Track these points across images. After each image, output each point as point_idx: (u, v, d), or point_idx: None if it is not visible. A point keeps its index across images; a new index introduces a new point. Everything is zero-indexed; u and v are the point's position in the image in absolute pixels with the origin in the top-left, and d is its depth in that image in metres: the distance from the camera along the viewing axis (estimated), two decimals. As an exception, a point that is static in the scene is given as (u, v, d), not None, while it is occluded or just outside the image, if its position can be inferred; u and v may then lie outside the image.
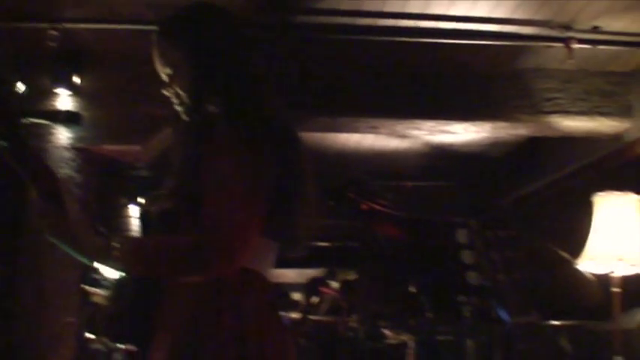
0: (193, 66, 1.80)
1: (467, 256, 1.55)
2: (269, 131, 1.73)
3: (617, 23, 4.26)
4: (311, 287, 6.01)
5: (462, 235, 1.55)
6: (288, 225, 1.80)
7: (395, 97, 4.82)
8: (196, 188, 1.66)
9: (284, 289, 9.10)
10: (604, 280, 4.60)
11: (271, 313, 1.76)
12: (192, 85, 1.81)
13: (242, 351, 1.64)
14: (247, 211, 1.64)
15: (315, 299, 5.89)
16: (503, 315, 1.50)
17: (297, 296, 8.00)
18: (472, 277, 1.54)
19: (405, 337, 4.54)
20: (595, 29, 4.33)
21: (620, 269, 4.43)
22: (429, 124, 4.97)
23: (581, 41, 4.35)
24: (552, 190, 6.45)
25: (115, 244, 1.65)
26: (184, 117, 1.85)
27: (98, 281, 4.07)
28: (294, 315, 5.44)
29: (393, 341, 4.82)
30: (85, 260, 1.67)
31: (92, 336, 3.95)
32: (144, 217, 1.87)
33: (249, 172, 1.66)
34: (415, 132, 5.16)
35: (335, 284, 5.71)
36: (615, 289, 4.46)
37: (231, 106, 1.74)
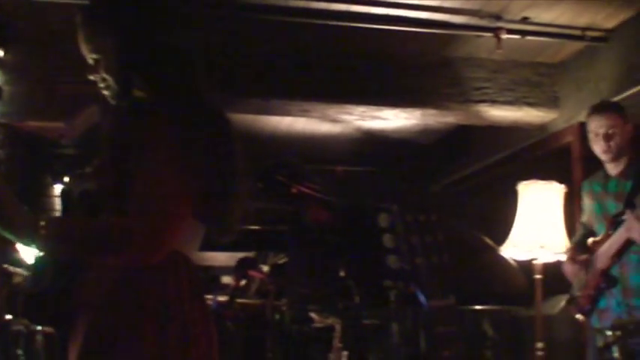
0: (122, 53, 1.76)
1: (388, 240, 1.57)
2: (199, 115, 1.71)
3: (546, 15, 4.34)
4: (240, 270, 5.98)
5: (383, 220, 1.57)
6: (221, 210, 1.78)
7: (327, 82, 4.80)
8: (123, 171, 1.63)
9: (214, 272, 9.04)
10: (527, 267, 4.73)
11: (195, 297, 1.74)
12: (121, 71, 1.77)
13: (163, 334, 1.62)
14: (178, 197, 1.63)
15: (243, 282, 5.86)
16: (421, 298, 1.53)
17: (227, 279, 7.96)
18: (392, 261, 1.56)
19: (332, 321, 4.55)
20: (524, 20, 4.40)
21: (542, 256, 4.55)
22: (360, 110, 4.98)
23: (510, 31, 4.41)
24: (480, 177, 6.57)
25: (42, 223, 1.59)
26: (112, 101, 1.80)
27: (19, 261, 3.97)
28: (222, 298, 5.40)
29: (320, 325, 4.84)
30: (10, 237, 1.62)
31: (12, 317, 3.84)
32: (65, 196, 1.82)
33: (180, 156, 1.64)
34: (346, 117, 5.17)
35: (265, 267, 5.69)
36: (537, 276, 4.59)
37: (161, 90, 1.72)
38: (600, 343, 2.15)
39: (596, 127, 3.55)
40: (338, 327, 4.48)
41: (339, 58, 4.81)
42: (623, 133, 3.54)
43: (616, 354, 2.15)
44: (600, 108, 3.64)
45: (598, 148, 3.58)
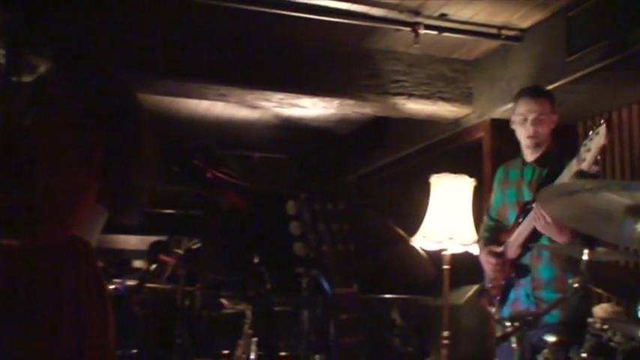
0: (17, 24, 1.70)
1: (294, 228, 1.58)
2: (104, 94, 1.68)
3: (464, 12, 4.43)
4: (151, 254, 5.90)
5: (291, 207, 1.58)
6: (121, 190, 1.75)
7: (246, 67, 4.77)
8: (24, 148, 1.59)
9: (125, 255, 8.87)
10: (436, 258, 4.84)
11: (93, 281, 1.71)
12: (14, 45, 1.71)
13: (57, 318, 1.59)
14: (82, 177, 1.61)
15: (154, 267, 5.78)
16: (325, 285, 1.55)
17: (139, 263, 7.82)
18: (298, 248, 1.57)
19: (242, 307, 4.55)
20: (442, 16, 4.47)
21: (451, 247, 4.67)
22: (279, 97, 4.97)
23: (427, 27, 4.48)
24: (394, 168, 6.68)
25: None
26: (8, 75, 1.74)
27: None
28: (131, 282, 5.31)
29: (230, 311, 4.83)
30: None
31: None
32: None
33: (84, 136, 1.61)
34: (264, 103, 5.16)
35: (178, 251, 5.62)
36: (446, 267, 4.70)
37: (65, 66, 1.67)
38: (499, 332, 2.22)
39: (526, 111, 3.43)
40: (248, 313, 4.48)
41: (259, 45, 4.79)
42: (550, 121, 3.46)
43: (514, 344, 2.23)
44: (534, 92, 3.53)
45: (523, 131, 3.46)
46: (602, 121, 2.81)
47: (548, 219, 3.09)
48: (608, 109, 4.76)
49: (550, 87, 4.33)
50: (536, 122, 3.40)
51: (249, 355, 4.32)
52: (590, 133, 2.86)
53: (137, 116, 1.79)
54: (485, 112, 5.06)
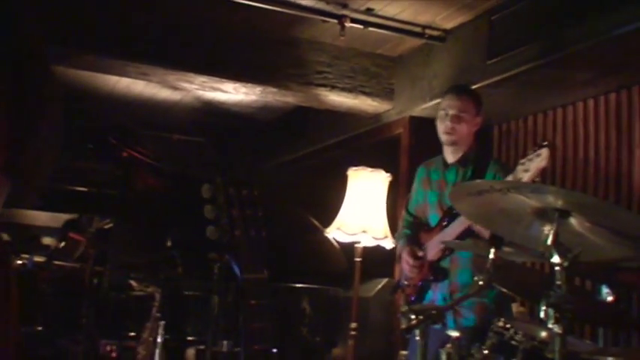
0: None
1: (208, 211, 1.56)
2: (12, 60, 1.60)
3: (390, 9, 4.47)
4: (61, 232, 5.76)
5: (206, 191, 1.56)
6: (20, 163, 1.67)
7: (169, 47, 4.68)
8: None
9: (35, 231, 8.60)
10: (349, 250, 4.89)
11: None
12: None
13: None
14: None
15: (62, 244, 5.63)
16: (236, 270, 1.55)
17: (48, 240, 7.60)
18: (211, 232, 1.56)
19: (152, 290, 4.49)
20: (368, 11, 4.50)
21: (364, 240, 4.73)
22: (201, 79, 4.90)
23: (354, 21, 4.50)
24: (313, 159, 6.70)
25: None
26: None
27: None
28: (39, 259, 5.16)
29: (139, 293, 4.76)
30: None
31: None
32: None
33: None
34: (186, 85, 5.08)
35: (89, 230, 5.49)
36: (357, 259, 4.76)
37: None
38: (404, 325, 2.27)
39: (448, 106, 3.42)
40: (157, 296, 4.42)
41: (184, 26, 4.70)
42: (471, 122, 3.44)
43: (417, 337, 2.28)
44: (458, 90, 3.53)
45: (442, 127, 3.43)
46: (545, 142, 2.76)
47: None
48: (525, 114, 4.90)
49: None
50: (454, 119, 3.38)
51: (155, 339, 4.27)
52: (530, 152, 2.79)
53: (42, 86, 1.71)
54: (405, 109, 5.13)
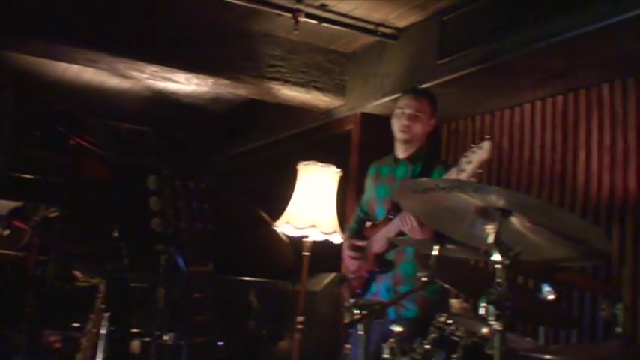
0: None
1: (154, 203, 1.55)
2: None
3: (344, 5, 4.49)
4: (5, 220, 5.66)
5: (152, 182, 1.55)
6: None
7: (120, 35, 4.61)
8: None
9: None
10: (297, 244, 4.90)
11: None
12: None
13: None
14: None
15: (7, 232, 5.53)
16: (180, 262, 1.55)
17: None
18: (156, 224, 1.55)
19: (96, 281, 4.43)
20: (322, 7, 4.51)
21: (312, 235, 4.74)
22: (152, 69, 4.84)
23: (308, 15, 4.50)
24: (265, 152, 6.69)
25: None
26: None
27: None
28: (-21, 247, 5.07)
29: (83, 283, 4.69)
30: None
31: None
32: None
33: None
34: (136, 74, 5.01)
35: (35, 219, 5.40)
36: (306, 253, 4.77)
37: None
38: (347, 319, 2.29)
39: (406, 105, 3.53)
40: (102, 287, 4.37)
41: (135, 14, 4.64)
42: (426, 122, 3.55)
43: (361, 331, 2.30)
44: (417, 91, 3.66)
45: (398, 124, 3.55)
46: (487, 136, 2.91)
47: (415, 223, 3.19)
48: (473, 114, 4.97)
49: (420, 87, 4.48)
50: (411, 118, 3.50)
51: (99, 330, 4.22)
52: (473, 146, 2.92)
53: None
54: (357, 106, 5.16)
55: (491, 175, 4.81)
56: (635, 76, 3.93)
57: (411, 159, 3.55)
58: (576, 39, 3.49)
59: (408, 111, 3.51)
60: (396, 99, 4.57)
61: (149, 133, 7.46)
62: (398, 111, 3.56)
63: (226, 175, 6.89)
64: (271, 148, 6.54)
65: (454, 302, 4.36)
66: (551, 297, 3.10)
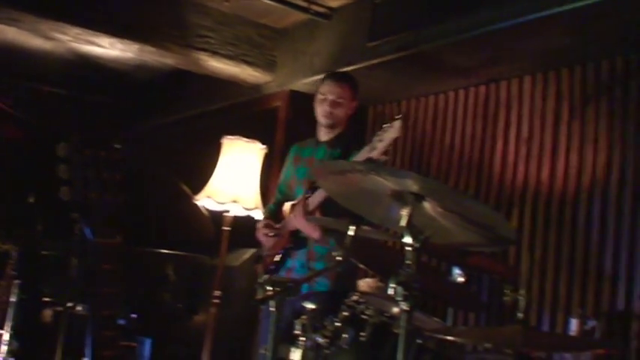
0: None
1: (62, 171, 1.51)
2: None
3: (277, -20, 4.47)
4: None
5: (62, 149, 1.51)
6: None
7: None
8: None
9: None
10: (218, 218, 4.87)
11: None
12: None
13: None
14: None
15: None
16: (87, 233, 1.52)
17: None
18: (64, 193, 1.52)
19: (8, 247, 4.32)
20: (255, -21, 4.48)
21: (233, 210, 4.72)
22: (75, 31, 4.69)
23: (240, -13, 4.47)
24: (190, 125, 6.61)
25: None
26: None
27: None
28: None
29: (-7, 249, 4.56)
30: None
31: None
32: None
33: None
34: (60, 35, 4.85)
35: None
36: (226, 228, 4.76)
37: None
38: (260, 295, 2.30)
39: (327, 91, 3.60)
40: (14, 254, 4.26)
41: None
42: (348, 106, 3.64)
43: (272, 308, 2.32)
44: (338, 77, 3.71)
45: (321, 110, 3.63)
46: (399, 115, 3.01)
47: (300, 215, 3.38)
48: (400, 98, 5.03)
49: (349, 69, 4.50)
50: (333, 104, 3.58)
51: (9, 298, 4.13)
52: (385, 125, 3.03)
53: None
54: (286, 83, 5.14)
55: (413, 158, 4.89)
56: (556, 70, 4.05)
57: (331, 142, 3.64)
58: (500, 32, 3.57)
59: (330, 97, 3.58)
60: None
61: (70, 97, 7.24)
62: (320, 97, 3.63)
63: (148, 146, 6.76)
64: (197, 120, 6.47)
65: (370, 281, 4.44)
66: (460, 280, 3.20)
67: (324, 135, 3.67)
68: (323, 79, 3.72)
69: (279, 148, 5.07)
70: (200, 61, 5.08)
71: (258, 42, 5.20)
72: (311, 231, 3.40)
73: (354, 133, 3.73)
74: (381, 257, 2.99)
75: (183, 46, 4.93)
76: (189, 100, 6.44)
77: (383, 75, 4.53)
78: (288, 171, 3.87)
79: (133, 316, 4.85)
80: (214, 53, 5.02)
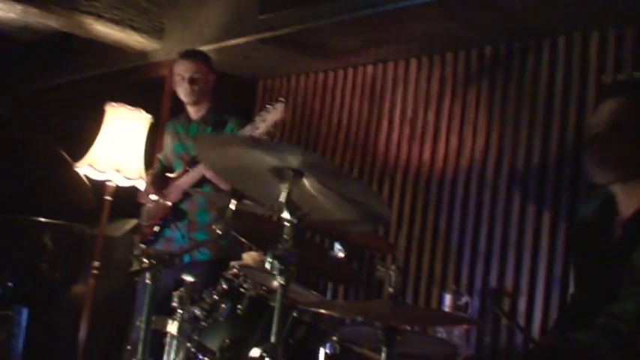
0: None
1: None
2: None
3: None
4: None
5: None
6: None
7: None
8: None
9: None
10: (99, 187, 4.75)
11: None
12: None
13: None
14: None
15: None
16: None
17: None
18: None
19: None
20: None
21: (116, 179, 4.62)
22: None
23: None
24: (72, 89, 6.39)
25: None
26: None
27: None
28: None
29: None
30: None
31: None
32: None
33: None
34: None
35: None
36: (107, 198, 4.65)
37: None
38: (135, 267, 2.29)
39: (183, 70, 3.77)
40: None
41: None
42: (206, 80, 3.81)
43: (148, 280, 2.31)
44: (188, 54, 3.86)
45: (181, 90, 3.81)
46: (282, 98, 3.17)
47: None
48: (289, 73, 5.04)
49: (240, 40, 4.47)
50: (192, 81, 3.75)
51: None
52: (269, 106, 3.15)
53: None
54: (173, 51, 4.99)
55: (301, 134, 4.92)
56: (441, 54, 4.16)
57: (202, 119, 3.83)
58: (386, 14, 3.63)
59: (187, 75, 3.75)
60: (217, 49, 4.58)
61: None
62: (177, 78, 3.80)
63: (28, 110, 6.49)
64: (81, 85, 6.25)
65: (254, 255, 4.46)
66: (340, 255, 3.26)
67: (193, 113, 3.86)
68: (177, 60, 3.87)
69: (165, 119, 4.96)
70: (85, 24, 4.91)
71: (145, 7, 5.07)
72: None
73: (222, 108, 3.87)
74: (264, 231, 3.01)
75: (68, 9, 4.75)
76: (73, 65, 6.21)
77: (273, 49, 4.52)
78: (167, 145, 4.02)
79: (9, 284, 4.72)
80: (100, 17, 4.86)
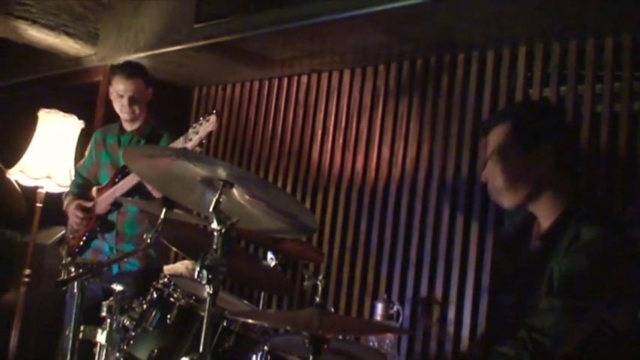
0: None
1: None
2: None
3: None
4: None
5: None
6: None
7: None
8: None
9: None
10: (30, 194, 4.69)
11: None
12: None
13: None
14: None
15: None
16: None
17: None
18: None
19: None
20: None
21: (47, 186, 4.56)
22: None
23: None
24: (6, 94, 6.27)
25: None
26: None
27: None
28: None
29: None
30: None
31: None
32: None
33: None
34: None
35: None
36: (38, 204, 4.59)
37: None
38: (63, 277, 2.27)
39: (122, 90, 3.65)
40: None
41: None
42: (144, 97, 3.74)
43: (75, 290, 2.29)
44: (129, 73, 3.70)
45: (119, 107, 3.71)
46: (214, 111, 3.15)
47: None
48: (225, 81, 5.05)
49: (174, 48, 4.46)
50: (131, 101, 3.67)
51: None
52: (201, 118, 3.15)
53: None
54: (108, 57, 5.00)
55: (235, 143, 4.93)
56: (373, 66, 4.24)
57: (139, 130, 3.76)
58: (319, 26, 3.69)
59: (126, 95, 3.66)
60: (151, 56, 4.56)
61: None
62: (115, 94, 3.70)
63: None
64: (14, 90, 6.14)
65: (187, 263, 4.46)
66: (272, 264, 3.30)
67: (128, 126, 3.77)
68: (113, 74, 3.76)
69: (99, 125, 4.92)
70: (18, 29, 4.83)
71: (80, 13, 5.00)
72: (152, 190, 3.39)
73: (158, 123, 3.84)
74: (197, 240, 3.02)
75: (2, 13, 4.66)
76: (7, 70, 6.09)
77: (209, 57, 4.53)
78: (91, 155, 3.90)
79: None
80: (34, 22, 4.78)
